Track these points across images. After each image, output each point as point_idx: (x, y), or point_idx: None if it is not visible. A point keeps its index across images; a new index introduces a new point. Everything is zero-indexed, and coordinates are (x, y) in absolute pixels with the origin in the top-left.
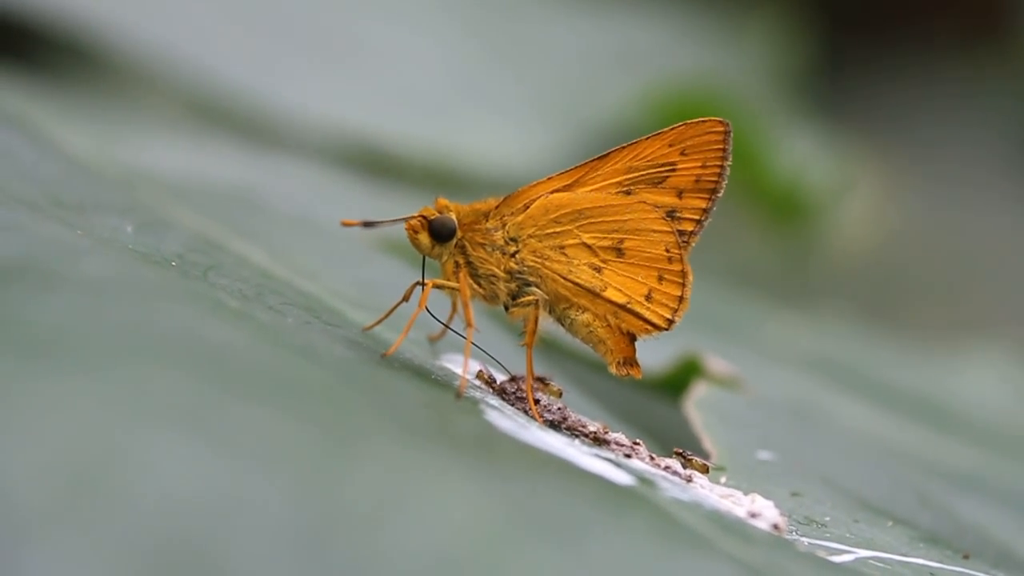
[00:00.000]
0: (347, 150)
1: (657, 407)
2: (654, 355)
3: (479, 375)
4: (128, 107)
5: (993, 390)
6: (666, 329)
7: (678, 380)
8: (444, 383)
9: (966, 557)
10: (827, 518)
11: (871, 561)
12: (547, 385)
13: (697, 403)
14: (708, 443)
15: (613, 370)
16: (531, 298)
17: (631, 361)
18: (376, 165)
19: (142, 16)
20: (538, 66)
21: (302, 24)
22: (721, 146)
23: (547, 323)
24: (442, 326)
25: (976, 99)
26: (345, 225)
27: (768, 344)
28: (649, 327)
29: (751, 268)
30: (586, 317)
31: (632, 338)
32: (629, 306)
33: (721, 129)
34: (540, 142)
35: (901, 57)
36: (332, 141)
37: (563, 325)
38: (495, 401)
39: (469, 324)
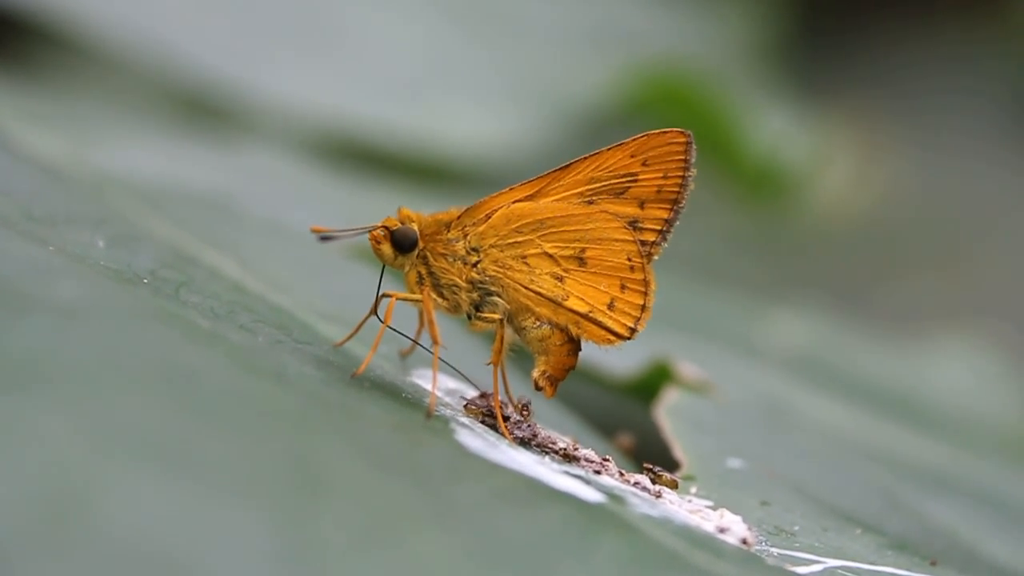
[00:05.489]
0: (323, 137)
1: (629, 412)
2: (625, 357)
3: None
4: (100, 97)
5: (963, 383)
6: (628, 338)
7: (649, 384)
8: (414, 401)
9: (933, 564)
10: (796, 527)
11: (839, 571)
12: (514, 402)
13: (667, 410)
14: (678, 451)
15: (535, 375)
16: (495, 316)
17: (554, 380)
18: (351, 152)
19: (115, 1)
20: (512, 48)
21: (276, 9)
22: (683, 157)
23: (512, 333)
24: (411, 341)
25: (971, 64)
26: (314, 231)
27: (741, 338)
28: (612, 336)
29: (728, 248)
30: (544, 331)
31: (570, 368)
32: (591, 315)
33: (683, 140)
34: (515, 125)
35: (892, 22)
36: (307, 128)
37: (519, 336)
38: (465, 419)
39: (435, 341)
